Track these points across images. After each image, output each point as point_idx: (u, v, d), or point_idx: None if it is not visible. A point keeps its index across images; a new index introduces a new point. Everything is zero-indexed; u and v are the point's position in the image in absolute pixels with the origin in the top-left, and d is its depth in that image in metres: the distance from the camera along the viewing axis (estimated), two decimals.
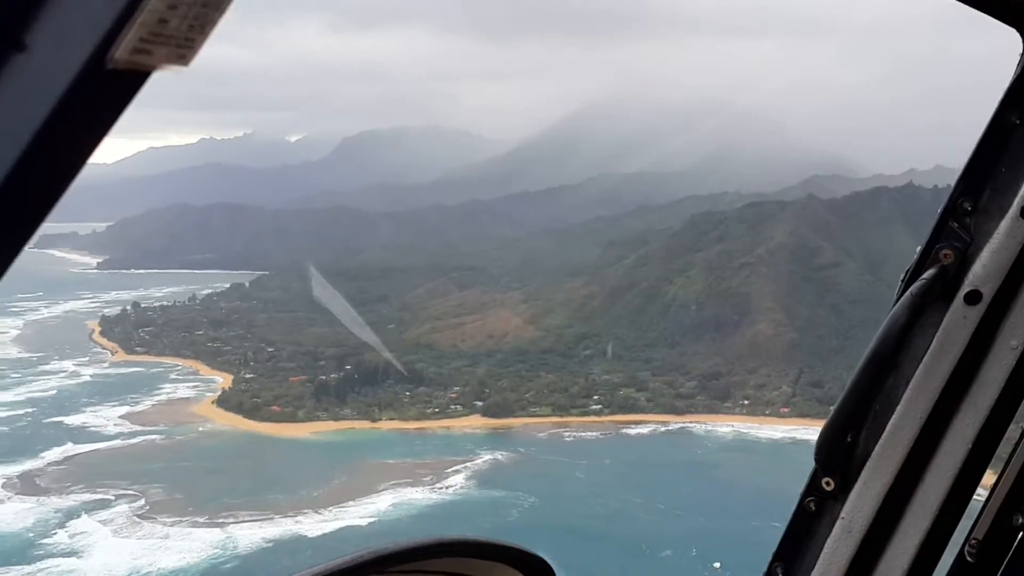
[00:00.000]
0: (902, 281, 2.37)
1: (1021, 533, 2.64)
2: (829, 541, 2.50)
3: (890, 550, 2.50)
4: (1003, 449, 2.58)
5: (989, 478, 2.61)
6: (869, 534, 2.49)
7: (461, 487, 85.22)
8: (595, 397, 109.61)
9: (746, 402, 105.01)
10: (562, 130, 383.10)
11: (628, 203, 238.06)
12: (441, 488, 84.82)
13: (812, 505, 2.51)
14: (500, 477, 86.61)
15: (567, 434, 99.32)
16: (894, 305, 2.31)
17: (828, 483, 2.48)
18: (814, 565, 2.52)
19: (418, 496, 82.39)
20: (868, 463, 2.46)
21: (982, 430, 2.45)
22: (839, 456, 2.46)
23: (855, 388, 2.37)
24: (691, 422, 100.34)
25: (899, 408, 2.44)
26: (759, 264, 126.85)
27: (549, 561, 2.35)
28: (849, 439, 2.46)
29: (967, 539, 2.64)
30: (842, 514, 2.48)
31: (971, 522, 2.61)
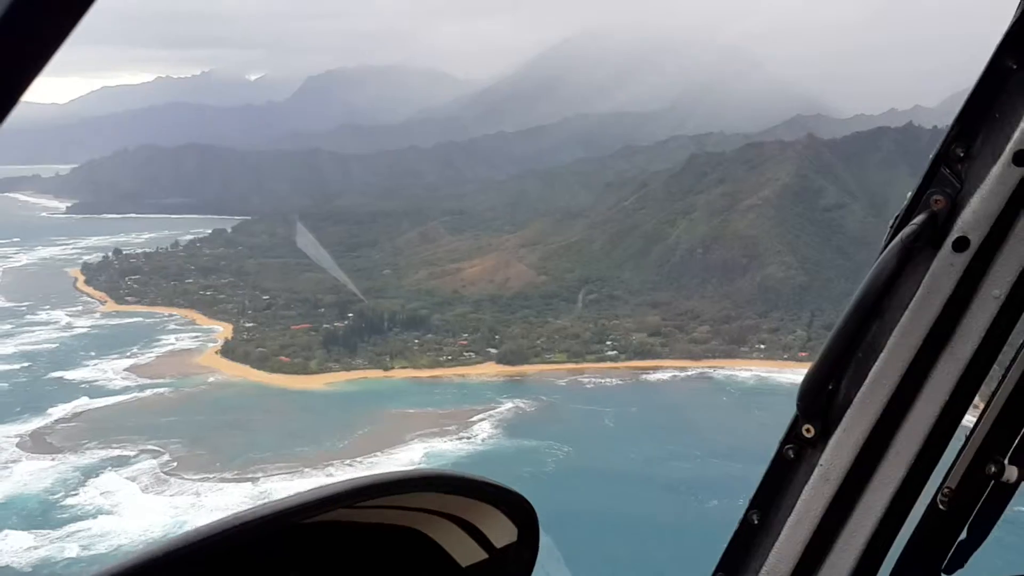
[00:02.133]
0: (891, 227, 2.36)
1: (992, 482, 2.69)
2: (806, 488, 2.50)
3: (865, 498, 2.51)
4: (979, 400, 2.60)
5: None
6: (846, 482, 2.48)
7: (489, 436, 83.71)
8: (608, 343, 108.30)
9: (762, 346, 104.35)
10: (534, 69, 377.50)
11: (608, 144, 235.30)
12: (469, 438, 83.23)
13: (791, 452, 2.51)
14: (526, 425, 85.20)
15: (586, 381, 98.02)
16: (882, 251, 2.31)
17: (808, 430, 2.46)
18: (790, 512, 2.53)
19: (448, 446, 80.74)
20: (849, 411, 2.45)
21: (960, 380, 2.44)
22: (820, 403, 2.45)
23: (840, 335, 2.35)
24: (710, 367, 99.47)
25: (882, 356, 2.41)
26: (765, 206, 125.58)
27: (531, 502, 2.31)
28: (831, 386, 2.45)
29: (940, 487, 2.67)
30: (820, 461, 2.47)
31: (944, 471, 2.66)
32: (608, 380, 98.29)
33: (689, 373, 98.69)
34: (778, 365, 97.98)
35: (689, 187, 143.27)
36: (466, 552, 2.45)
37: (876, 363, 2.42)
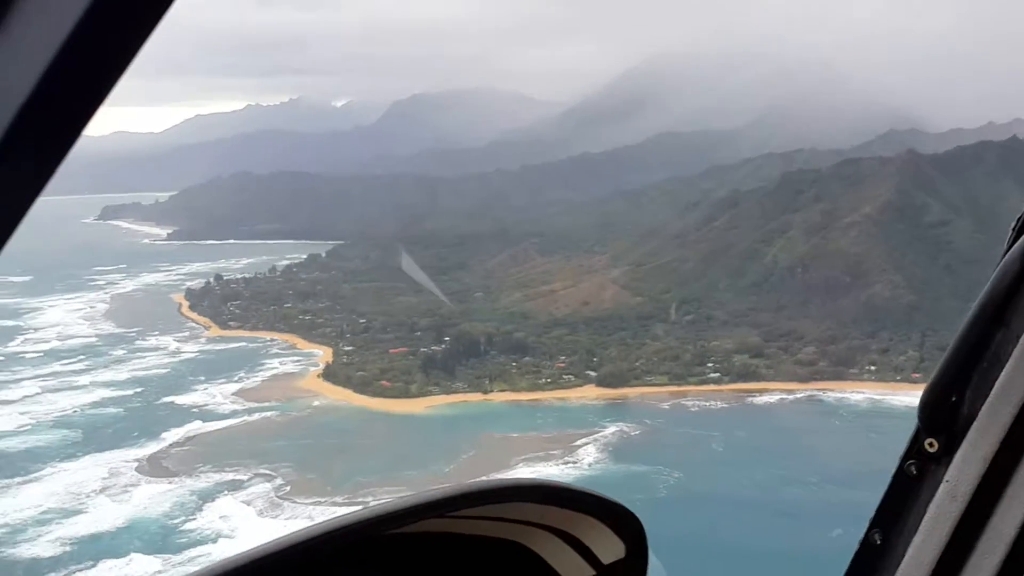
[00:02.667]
0: (1013, 230, 2.27)
1: None
2: (932, 506, 2.37)
3: (997, 516, 2.34)
4: None
5: None
6: (975, 499, 2.33)
7: (596, 461, 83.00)
8: (709, 364, 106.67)
9: (872, 368, 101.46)
10: (616, 90, 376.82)
11: (694, 163, 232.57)
12: (575, 462, 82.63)
13: (913, 468, 2.40)
14: (632, 450, 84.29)
15: (690, 404, 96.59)
16: (1003, 256, 2.21)
17: (931, 444, 2.36)
18: (915, 531, 2.40)
19: (554, 471, 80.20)
20: (975, 424, 2.32)
21: None
22: (943, 416, 2.34)
23: (961, 344, 2.26)
24: (818, 389, 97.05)
25: (1008, 365, 2.27)
26: (867, 223, 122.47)
27: (640, 519, 2.24)
28: (954, 398, 2.34)
29: None
30: (946, 478, 2.34)
31: None
32: (712, 403, 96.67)
33: (797, 396, 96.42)
34: (891, 387, 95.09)
35: (784, 205, 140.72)
36: (572, 568, 2.34)
37: (1002, 373, 2.27)
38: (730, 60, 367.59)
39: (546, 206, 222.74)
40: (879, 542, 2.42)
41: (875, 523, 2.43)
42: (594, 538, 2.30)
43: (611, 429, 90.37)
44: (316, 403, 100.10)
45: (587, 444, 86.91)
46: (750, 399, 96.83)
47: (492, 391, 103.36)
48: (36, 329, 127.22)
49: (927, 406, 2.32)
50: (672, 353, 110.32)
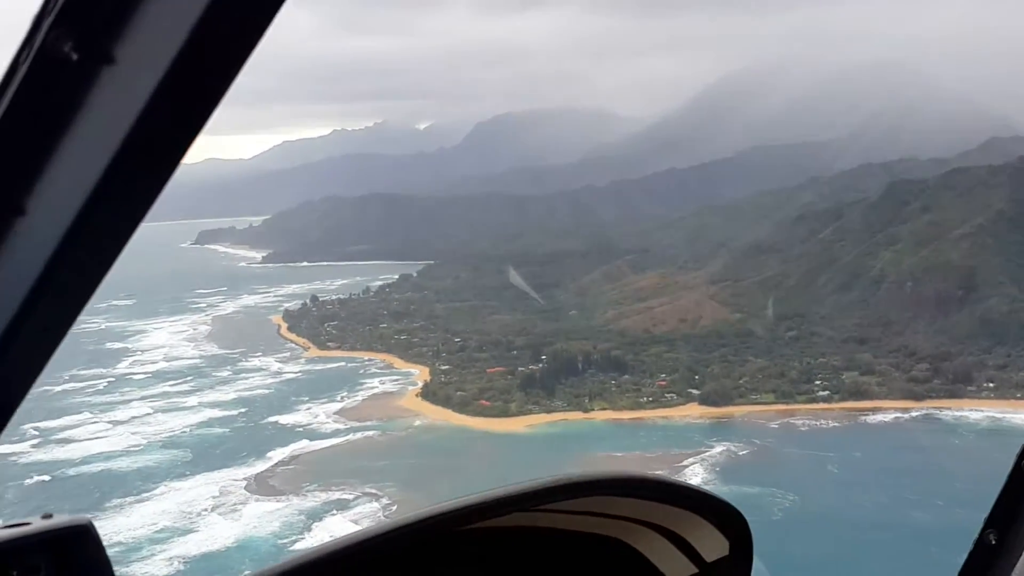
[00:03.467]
0: None
1: None
2: None
3: None
4: None
5: None
6: None
7: (704, 481, 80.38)
8: (817, 382, 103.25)
9: (991, 385, 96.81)
10: (702, 104, 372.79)
11: (787, 175, 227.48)
12: None
13: None
14: (742, 471, 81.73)
15: (799, 423, 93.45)
16: None
17: None
18: None
19: None
20: None
21: None
22: None
23: None
24: (934, 408, 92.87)
25: None
26: (982, 234, 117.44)
27: (746, 517, 2.18)
28: None
29: None
30: None
31: None
32: (822, 422, 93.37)
33: (913, 415, 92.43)
34: (1012, 405, 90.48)
35: (890, 217, 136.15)
36: (674, 565, 2.26)
37: None
38: (819, 74, 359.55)
39: (637, 222, 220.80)
40: (994, 542, 2.33)
41: (990, 522, 2.34)
42: (697, 535, 2.21)
43: (718, 448, 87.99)
44: (417, 423, 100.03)
45: (694, 464, 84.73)
46: (863, 418, 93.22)
47: (592, 409, 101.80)
48: (142, 351, 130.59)
49: None
50: (777, 370, 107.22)
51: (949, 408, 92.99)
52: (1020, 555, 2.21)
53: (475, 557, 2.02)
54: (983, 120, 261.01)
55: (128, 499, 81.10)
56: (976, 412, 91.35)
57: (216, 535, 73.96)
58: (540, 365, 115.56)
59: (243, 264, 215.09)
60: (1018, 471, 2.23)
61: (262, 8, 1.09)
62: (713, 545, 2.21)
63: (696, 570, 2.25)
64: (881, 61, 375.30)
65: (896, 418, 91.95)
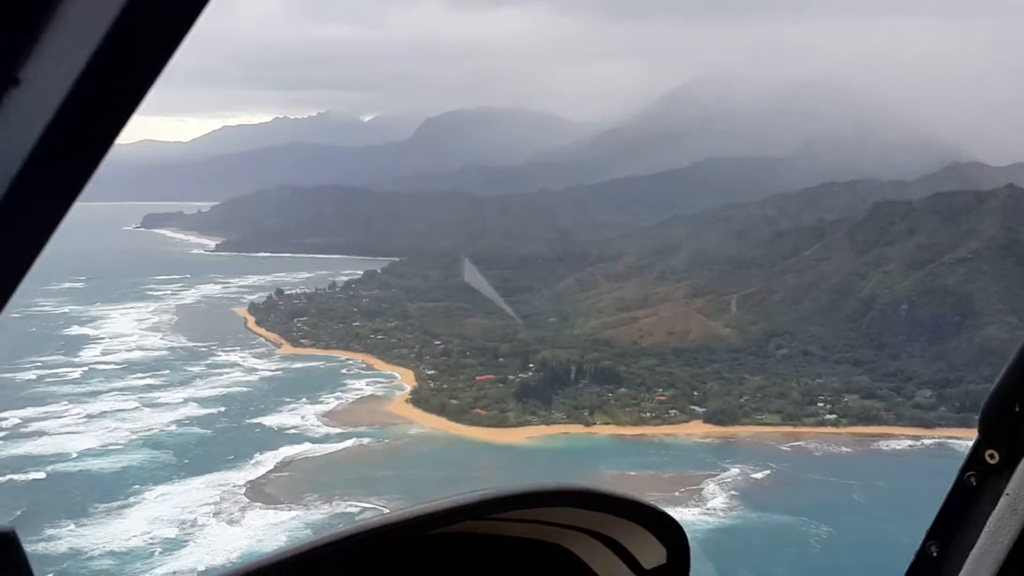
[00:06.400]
0: None
1: None
2: (991, 519, 2.32)
3: None
4: None
5: None
6: None
7: (730, 508, 77.78)
8: (820, 404, 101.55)
9: None
10: (656, 114, 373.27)
11: (745, 189, 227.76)
12: (709, 509, 77.41)
13: (973, 480, 2.35)
14: (765, 496, 79.10)
15: (812, 448, 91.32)
16: None
17: (992, 456, 2.31)
18: (973, 544, 2.34)
19: (690, 517, 74.84)
20: None
21: None
22: (1006, 427, 2.27)
23: None
24: (947, 437, 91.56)
25: None
26: (977, 260, 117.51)
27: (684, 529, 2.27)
28: (1017, 408, 2.27)
29: None
30: (1007, 490, 2.29)
31: None
32: (834, 448, 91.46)
33: (926, 443, 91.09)
34: None
35: (875, 238, 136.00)
36: (613, 572, 2.35)
37: None
38: (774, 90, 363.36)
39: (600, 228, 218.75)
40: (935, 554, 2.36)
41: (932, 535, 2.39)
42: (636, 543, 2.32)
43: (733, 471, 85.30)
44: (413, 431, 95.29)
45: (712, 487, 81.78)
46: (875, 444, 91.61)
47: (594, 423, 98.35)
48: (107, 339, 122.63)
49: (988, 417, 2.25)
50: (778, 390, 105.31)
51: (960, 438, 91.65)
52: (961, 566, 2.26)
53: (424, 563, 2.11)
54: (935, 146, 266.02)
55: (115, 504, 74.63)
56: None
57: (218, 547, 68.24)
58: (530, 374, 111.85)
59: (197, 251, 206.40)
60: (959, 484, 2.29)
61: None
62: (652, 553, 2.31)
63: None
64: (830, 80, 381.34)
65: (910, 446, 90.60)
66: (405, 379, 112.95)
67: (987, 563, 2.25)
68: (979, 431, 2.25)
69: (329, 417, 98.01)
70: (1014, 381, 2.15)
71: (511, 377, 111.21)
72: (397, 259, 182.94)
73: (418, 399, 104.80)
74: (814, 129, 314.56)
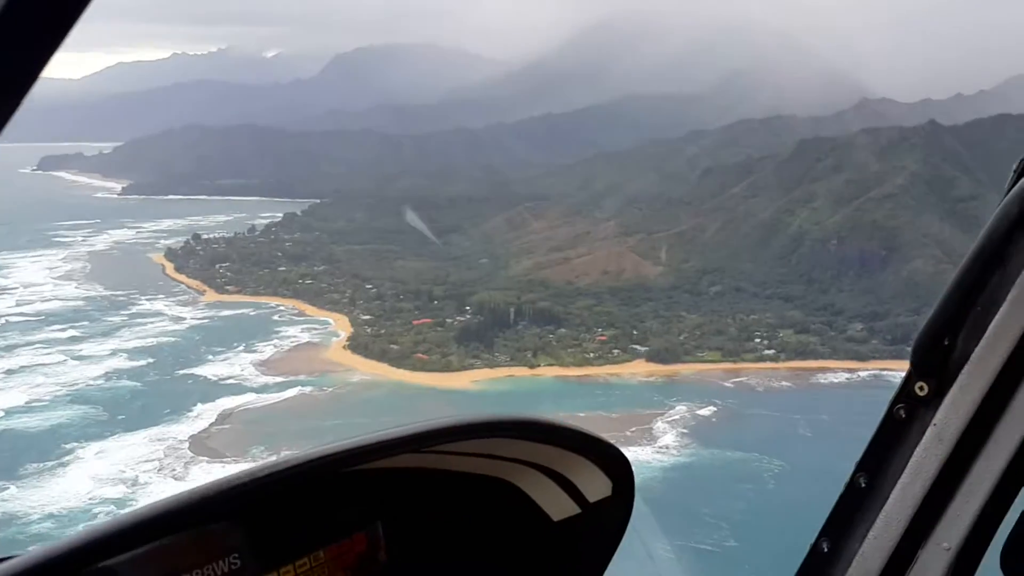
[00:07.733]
0: (1014, 171, 2.23)
1: None
2: (918, 449, 2.38)
3: (981, 459, 2.37)
4: None
5: None
6: (961, 442, 2.35)
7: (681, 445, 78.14)
8: (757, 340, 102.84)
9: None
10: (573, 51, 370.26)
11: (663, 126, 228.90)
12: (662, 447, 77.64)
13: (902, 412, 2.40)
14: (715, 433, 79.74)
15: (755, 384, 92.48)
16: (1005, 196, 2.18)
17: (921, 388, 2.35)
18: (900, 474, 2.41)
19: (645, 456, 74.87)
20: (966, 367, 2.29)
21: None
22: (935, 359, 2.30)
23: (957, 286, 2.23)
24: (881, 369, 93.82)
25: (1003, 307, 2.23)
26: (903, 195, 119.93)
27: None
28: (947, 341, 2.30)
29: None
30: (934, 420, 2.35)
31: None
32: (776, 383, 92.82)
33: (862, 375, 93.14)
34: None
35: (802, 174, 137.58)
36: (558, 505, 2.36)
37: (996, 316, 2.23)
38: (692, 26, 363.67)
39: (523, 167, 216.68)
40: (864, 485, 2.42)
41: (861, 466, 2.42)
42: (581, 476, 2.32)
43: (680, 408, 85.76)
44: (356, 378, 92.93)
45: (662, 424, 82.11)
46: (814, 379, 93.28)
47: (538, 365, 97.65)
48: (16, 289, 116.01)
49: (919, 348, 2.29)
50: (715, 328, 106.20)
51: (895, 369, 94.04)
52: (888, 497, 2.33)
53: (363, 497, 2.08)
54: (849, 83, 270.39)
55: (49, 463, 70.72)
56: None
57: None
58: (468, 316, 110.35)
59: (102, 195, 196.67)
60: (889, 416, 2.33)
61: None
62: (597, 485, 2.31)
63: (579, 510, 2.32)
64: (742, 19, 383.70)
65: (847, 379, 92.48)
66: (340, 325, 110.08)
67: (913, 491, 2.32)
68: (911, 364, 2.27)
69: (266, 366, 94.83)
70: (945, 314, 2.18)
71: (449, 320, 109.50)
72: (318, 201, 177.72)
73: (356, 345, 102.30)
74: (730, 67, 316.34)
